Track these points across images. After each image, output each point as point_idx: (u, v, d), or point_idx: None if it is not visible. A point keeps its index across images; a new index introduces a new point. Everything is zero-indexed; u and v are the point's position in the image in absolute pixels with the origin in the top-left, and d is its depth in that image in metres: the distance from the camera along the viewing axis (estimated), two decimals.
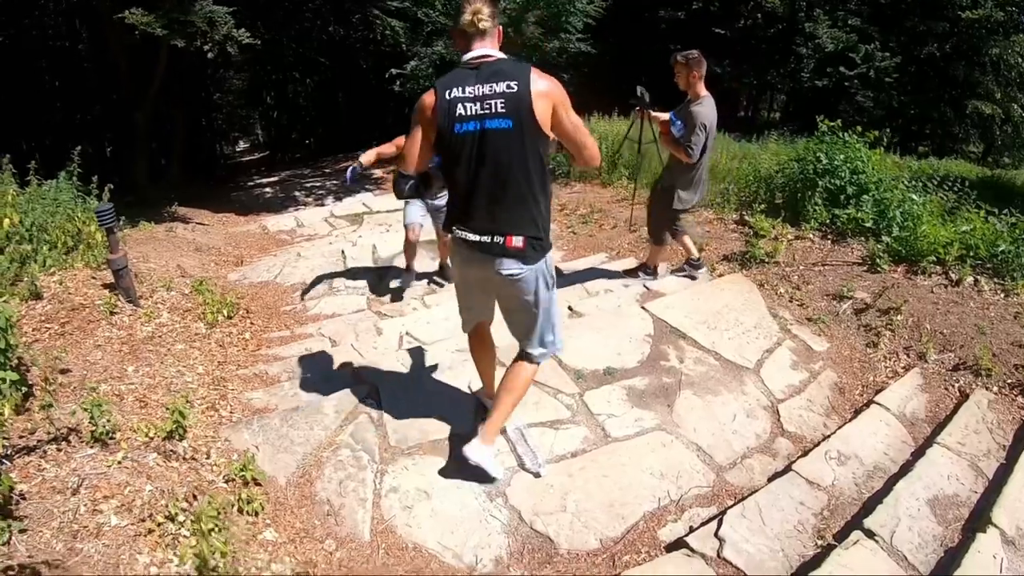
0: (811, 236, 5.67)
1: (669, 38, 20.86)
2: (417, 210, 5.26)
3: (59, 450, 2.58)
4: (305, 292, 5.81)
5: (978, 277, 4.68)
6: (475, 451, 2.85)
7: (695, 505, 2.92)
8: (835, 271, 5.07)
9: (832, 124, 6.31)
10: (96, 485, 2.43)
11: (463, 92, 2.38)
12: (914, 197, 5.52)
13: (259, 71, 21.00)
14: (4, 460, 2.41)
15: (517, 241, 2.51)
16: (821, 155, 6.08)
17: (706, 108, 4.55)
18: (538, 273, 2.63)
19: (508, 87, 2.35)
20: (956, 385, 3.74)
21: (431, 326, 4.62)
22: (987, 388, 3.66)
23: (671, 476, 3.05)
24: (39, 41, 15.24)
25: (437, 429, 3.31)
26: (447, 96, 2.39)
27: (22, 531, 2.12)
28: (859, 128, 6.22)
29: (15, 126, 14.60)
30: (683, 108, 4.66)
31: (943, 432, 3.25)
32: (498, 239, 2.51)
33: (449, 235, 2.70)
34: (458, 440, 3.15)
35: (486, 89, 2.37)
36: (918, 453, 3.16)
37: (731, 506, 2.82)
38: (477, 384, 3.51)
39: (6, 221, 4.44)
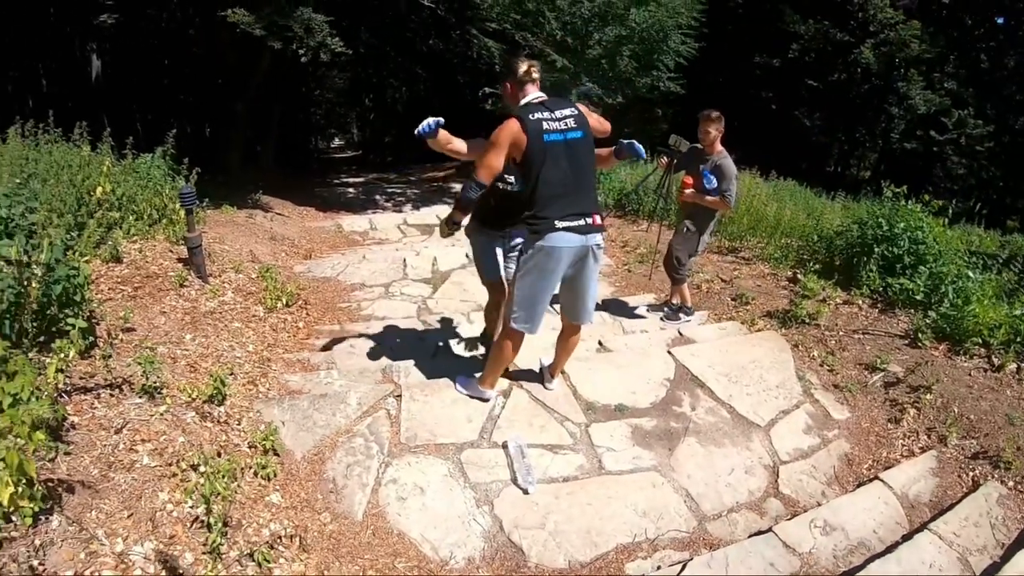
0: (859, 302, 5.60)
1: (762, 85, 20.72)
2: (498, 260, 4.32)
3: (111, 395, 3.01)
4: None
5: (1022, 364, 4.53)
6: (556, 385, 4.00)
7: (669, 547, 3.04)
8: (875, 341, 5.02)
9: (898, 190, 6.20)
10: (137, 429, 2.84)
11: (544, 115, 3.21)
12: (970, 274, 5.38)
13: (361, 73, 21.90)
14: (63, 394, 2.82)
15: (599, 219, 3.34)
16: (882, 220, 5.99)
17: (730, 163, 5.02)
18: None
19: (572, 111, 3.29)
20: (971, 474, 3.67)
21: (468, 341, 4.87)
22: (1002, 481, 3.56)
23: (653, 516, 3.18)
24: (154, 22, 16.22)
25: (446, 433, 3.55)
26: (531, 118, 3.18)
27: (67, 453, 2.53)
28: (927, 196, 6.08)
29: (122, 98, 15.68)
30: (709, 162, 5.06)
31: (939, 519, 3.21)
32: (587, 219, 3.28)
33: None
34: (463, 449, 3.43)
35: (558, 113, 3.25)
36: (908, 536, 3.15)
37: (701, 555, 2.93)
38: (496, 395, 3.87)
39: (99, 189, 4.92)
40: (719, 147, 5.08)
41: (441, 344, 4.85)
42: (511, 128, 3.17)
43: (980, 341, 4.73)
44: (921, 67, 19.06)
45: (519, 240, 3.90)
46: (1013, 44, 19.20)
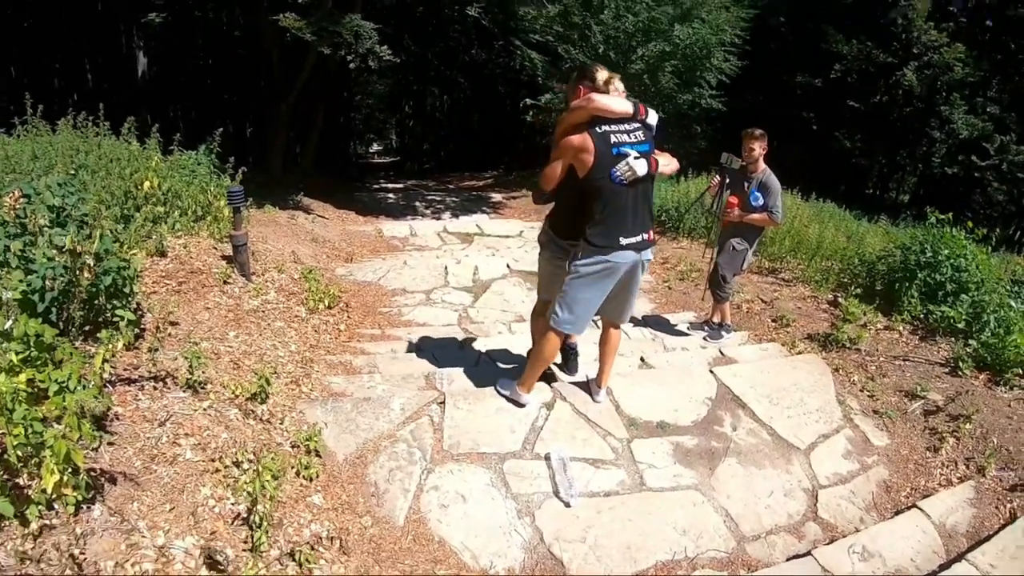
0: (900, 328, 5.56)
1: (803, 105, 20.51)
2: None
3: (156, 388, 3.08)
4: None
5: None
6: (603, 398, 4.03)
7: (708, 567, 3.07)
8: (915, 368, 4.99)
9: (943, 216, 6.14)
10: (180, 423, 2.91)
11: (611, 128, 3.26)
12: (1011, 303, 5.32)
13: (402, 80, 22.21)
14: (109, 384, 2.89)
15: (653, 235, 3.49)
16: (926, 246, 5.94)
17: (775, 178, 5.11)
18: None
19: (636, 125, 3.33)
20: (1009, 506, 3.62)
21: (510, 351, 4.93)
22: None
23: (692, 534, 3.21)
24: (201, 22, 16.62)
25: (489, 443, 3.61)
26: (599, 131, 3.23)
27: (110, 444, 2.59)
28: (970, 224, 6.03)
29: (166, 96, 16.03)
30: (754, 180, 5.14)
31: (977, 550, 3.20)
32: (645, 235, 3.42)
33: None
34: (506, 459, 3.49)
35: (625, 126, 3.29)
36: (945, 566, 3.15)
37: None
38: (539, 407, 3.92)
39: (146, 184, 5.06)
40: (763, 164, 5.14)
41: (484, 352, 4.91)
42: (573, 142, 3.28)
43: (1021, 372, 4.66)
44: (964, 91, 18.71)
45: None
46: None
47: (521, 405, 3.89)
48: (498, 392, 3.97)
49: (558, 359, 4.45)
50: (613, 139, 3.25)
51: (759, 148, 5.10)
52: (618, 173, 3.22)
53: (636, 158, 3.23)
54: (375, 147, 34.33)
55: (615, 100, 3.31)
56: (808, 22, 21.41)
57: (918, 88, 19.13)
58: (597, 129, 3.23)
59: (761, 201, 5.08)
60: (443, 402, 3.86)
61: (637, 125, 3.34)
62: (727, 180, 5.32)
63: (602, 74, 3.43)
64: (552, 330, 3.66)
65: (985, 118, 18.36)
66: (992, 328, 5.08)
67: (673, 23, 14.50)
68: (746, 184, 5.16)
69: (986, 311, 5.30)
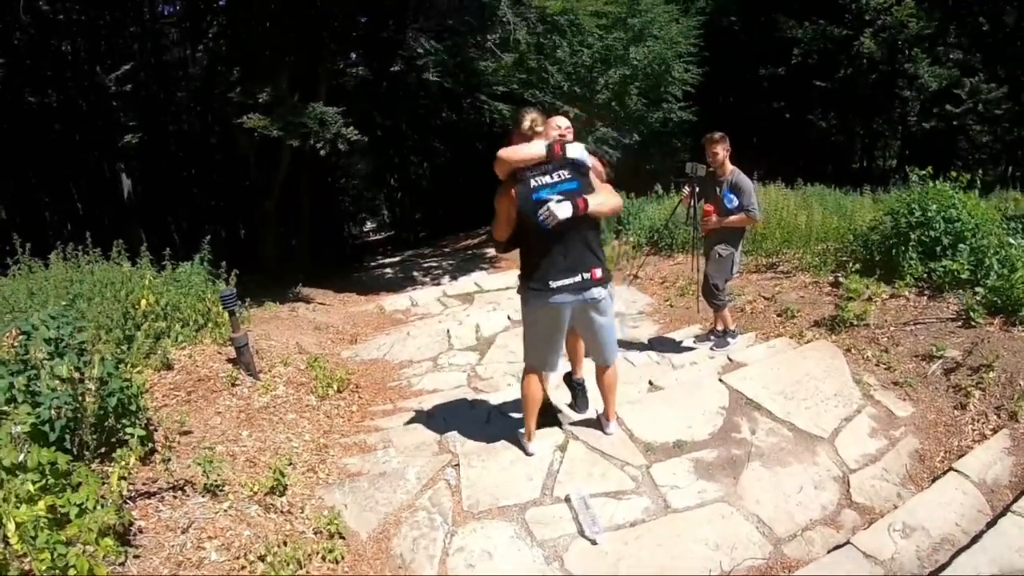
0: (906, 293, 5.49)
1: (772, 96, 20.69)
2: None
3: (175, 497, 3.13)
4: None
5: None
6: (614, 429, 4.02)
7: None
8: (927, 329, 4.90)
9: (923, 172, 6.11)
10: (202, 527, 2.95)
11: (532, 173, 3.30)
12: (1011, 241, 5.25)
13: (381, 156, 22.59)
14: (128, 500, 2.94)
15: (599, 273, 3.41)
16: (914, 206, 5.88)
17: (745, 176, 5.09)
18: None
19: (559, 164, 3.32)
20: None
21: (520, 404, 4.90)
22: None
23: (726, 547, 3.13)
24: (176, 135, 17.26)
25: (507, 495, 3.58)
26: (519, 179, 3.30)
27: (136, 557, 2.64)
28: (953, 173, 5.98)
29: (155, 211, 16.47)
30: (724, 183, 5.13)
31: (1022, 499, 3.11)
32: (584, 275, 3.37)
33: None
34: (527, 508, 3.45)
35: (547, 168, 3.30)
36: (992, 523, 3.04)
37: None
38: (552, 451, 3.91)
39: (143, 301, 5.13)
40: (730, 166, 5.16)
41: (494, 408, 4.88)
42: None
43: None
44: (924, 44, 18.82)
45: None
46: (1008, 1, 18.90)
47: (529, 454, 3.88)
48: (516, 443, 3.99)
49: (567, 398, 4.43)
50: (533, 183, 3.28)
51: (722, 151, 5.12)
52: (542, 218, 3.22)
53: (558, 201, 3.23)
54: (368, 225, 34.86)
55: (522, 148, 3.37)
56: (759, 15, 21.75)
57: (878, 53, 19.26)
58: (519, 177, 3.30)
59: (736, 202, 5.07)
60: (457, 464, 3.85)
61: (560, 164, 3.31)
62: (696, 189, 5.36)
63: (527, 121, 3.48)
64: (525, 370, 3.77)
65: (950, 65, 18.45)
66: (996, 270, 5.02)
67: (628, 46, 14.79)
68: (718, 189, 5.17)
69: (987, 255, 5.25)
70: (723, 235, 5.26)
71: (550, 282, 3.33)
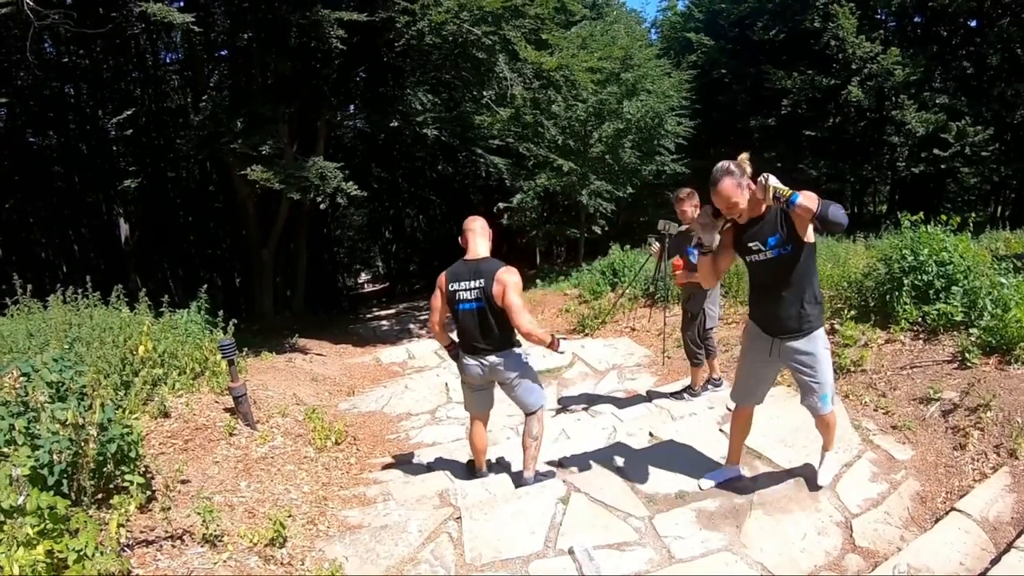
0: (901, 338, 5.52)
1: (763, 146, 21.03)
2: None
3: (173, 546, 3.10)
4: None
5: None
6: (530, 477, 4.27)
7: None
8: (924, 372, 4.93)
9: (914, 218, 6.17)
10: None
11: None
12: (1002, 281, 5.28)
13: (377, 207, 22.86)
14: (127, 547, 2.92)
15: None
16: (906, 252, 5.91)
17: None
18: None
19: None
20: None
21: (519, 456, 4.88)
22: None
23: None
24: (175, 182, 17.51)
25: (511, 548, 3.54)
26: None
27: None
28: (943, 216, 6.04)
29: (153, 257, 16.53)
30: (692, 239, 5.08)
31: None
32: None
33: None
34: (530, 561, 3.42)
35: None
36: (996, 560, 3.02)
37: None
38: (554, 503, 3.87)
39: (141, 348, 5.09)
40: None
41: (494, 460, 4.87)
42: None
43: None
44: (910, 90, 19.24)
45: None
46: (990, 43, 19.36)
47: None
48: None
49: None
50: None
51: (689, 208, 5.19)
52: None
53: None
54: (364, 277, 35.01)
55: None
56: (748, 66, 22.29)
57: (866, 101, 19.70)
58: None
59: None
60: (459, 517, 3.82)
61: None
62: (667, 246, 5.44)
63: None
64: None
65: (936, 110, 18.81)
66: (990, 311, 5.03)
67: (622, 100, 15.10)
68: (688, 246, 5.25)
69: (980, 296, 5.27)
70: (692, 292, 5.37)
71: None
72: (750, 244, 3.45)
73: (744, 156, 3.33)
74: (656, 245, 5.58)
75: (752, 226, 3.42)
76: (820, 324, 3.54)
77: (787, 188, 3.07)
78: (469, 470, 4.70)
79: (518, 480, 4.32)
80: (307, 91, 11.54)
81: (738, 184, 3.26)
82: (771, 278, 3.48)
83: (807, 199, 3.00)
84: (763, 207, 3.32)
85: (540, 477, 4.26)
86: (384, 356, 9.58)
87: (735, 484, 3.98)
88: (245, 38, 11.03)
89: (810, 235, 3.31)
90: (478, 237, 4.12)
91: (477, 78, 12.24)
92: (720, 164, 3.30)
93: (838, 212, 2.98)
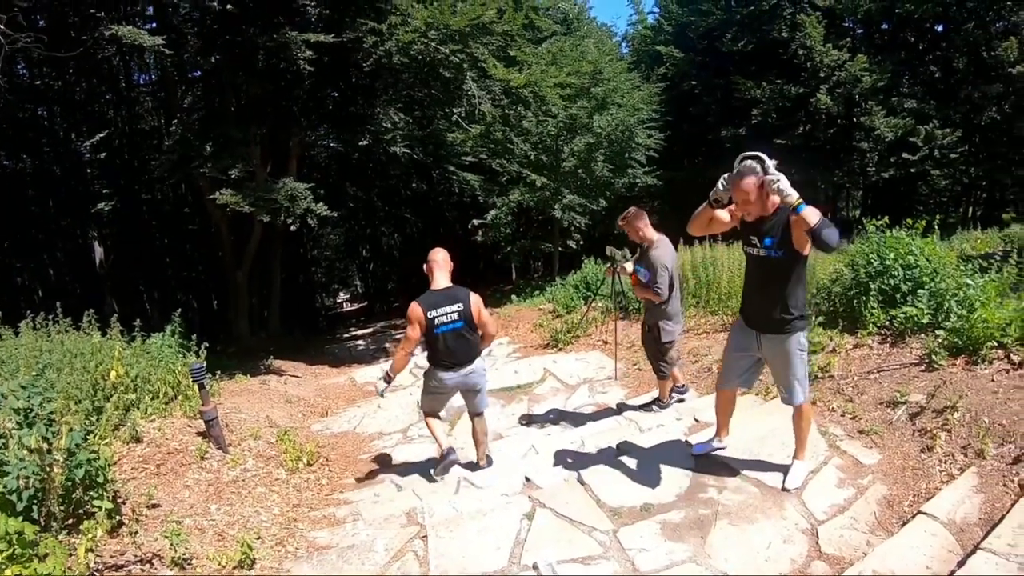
0: (869, 342, 5.54)
1: (734, 156, 21.24)
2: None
3: (143, 570, 3.11)
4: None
5: None
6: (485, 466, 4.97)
7: None
8: (891, 376, 4.94)
9: (879, 222, 6.20)
10: None
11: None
12: (968, 282, 5.28)
13: (353, 227, 22.77)
14: (95, 572, 2.92)
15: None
16: (872, 256, 5.96)
17: (662, 250, 5.16)
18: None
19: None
20: (1016, 479, 3.47)
21: (489, 473, 4.89)
22: None
23: None
24: (150, 205, 17.39)
25: (475, 565, 3.52)
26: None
27: None
28: (909, 220, 6.06)
29: (127, 280, 16.34)
30: (642, 256, 5.26)
31: (991, 535, 3.06)
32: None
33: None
34: None
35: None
36: (962, 562, 3.00)
37: None
38: (519, 519, 3.89)
39: (113, 373, 5.09)
40: (653, 236, 5.24)
41: (463, 478, 4.83)
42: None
43: (995, 343, 4.61)
44: (878, 96, 19.55)
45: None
46: (957, 47, 19.74)
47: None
48: None
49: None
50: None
51: (638, 227, 5.24)
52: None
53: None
54: (342, 296, 34.87)
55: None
56: (718, 78, 22.52)
57: (835, 107, 19.97)
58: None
59: (648, 276, 5.17)
60: (425, 535, 3.80)
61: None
62: (616, 268, 5.91)
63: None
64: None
65: (905, 115, 19.12)
66: (956, 312, 5.05)
67: (592, 115, 15.17)
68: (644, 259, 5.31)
69: (946, 298, 5.28)
70: (648, 310, 5.46)
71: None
72: (751, 237, 3.68)
73: (772, 164, 3.37)
74: (608, 266, 5.75)
75: (758, 223, 3.61)
76: (801, 330, 3.73)
77: (797, 196, 3.22)
78: (440, 460, 5.01)
79: (476, 467, 4.98)
80: (278, 112, 11.53)
81: (758, 186, 3.40)
82: (759, 276, 3.75)
83: (810, 212, 3.18)
84: (772, 208, 3.50)
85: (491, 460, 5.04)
86: (359, 376, 9.51)
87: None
88: (213, 60, 10.96)
89: (806, 248, 3.45)
90: (441, 270, 4.74)
91: (447, 96, 12.30)
92: (748, 161, 3.42)
93: (832, 234, 3.14)
